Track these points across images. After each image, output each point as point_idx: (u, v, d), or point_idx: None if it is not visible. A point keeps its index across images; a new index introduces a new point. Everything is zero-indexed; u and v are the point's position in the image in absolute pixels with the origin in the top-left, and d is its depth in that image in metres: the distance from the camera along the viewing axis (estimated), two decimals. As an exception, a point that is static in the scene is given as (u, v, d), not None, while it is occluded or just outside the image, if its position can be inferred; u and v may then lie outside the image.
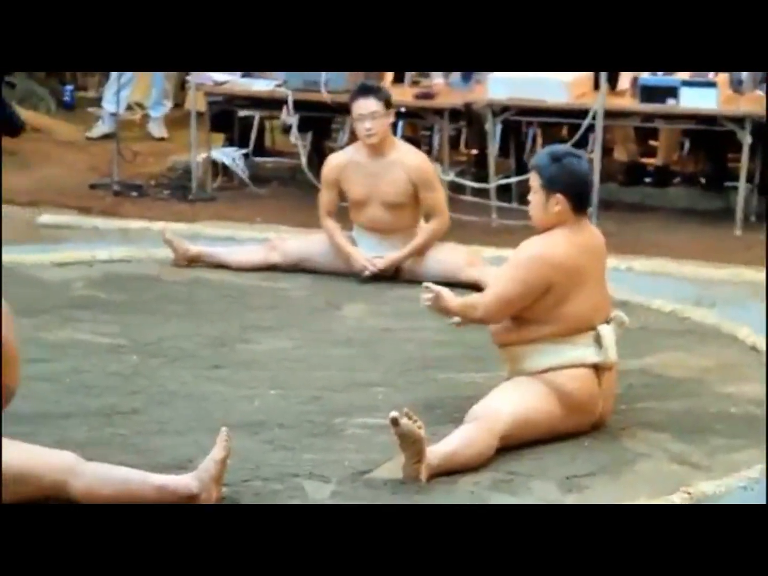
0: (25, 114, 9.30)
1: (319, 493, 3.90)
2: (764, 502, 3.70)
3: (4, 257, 6.11)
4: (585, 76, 7.82)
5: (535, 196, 4.40)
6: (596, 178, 7.18)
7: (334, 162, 6.35)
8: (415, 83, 8.52)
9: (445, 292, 4.40)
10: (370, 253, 6.17)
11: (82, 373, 4.86)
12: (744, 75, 7.83)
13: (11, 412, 3.88)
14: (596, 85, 7.60)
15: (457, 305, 4.42)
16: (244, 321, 5.59)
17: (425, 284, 4.40)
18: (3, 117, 8.83)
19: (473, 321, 4.42)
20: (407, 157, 6.18)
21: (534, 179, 4.42)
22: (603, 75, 7.44)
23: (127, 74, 9.24)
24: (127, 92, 9.40)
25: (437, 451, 3.99)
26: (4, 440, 3.78)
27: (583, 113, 7.51)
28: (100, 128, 9.63)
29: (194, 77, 8.28)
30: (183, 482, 3.75)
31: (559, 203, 4.33)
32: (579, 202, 4.39)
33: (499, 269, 4.50)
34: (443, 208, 6.26)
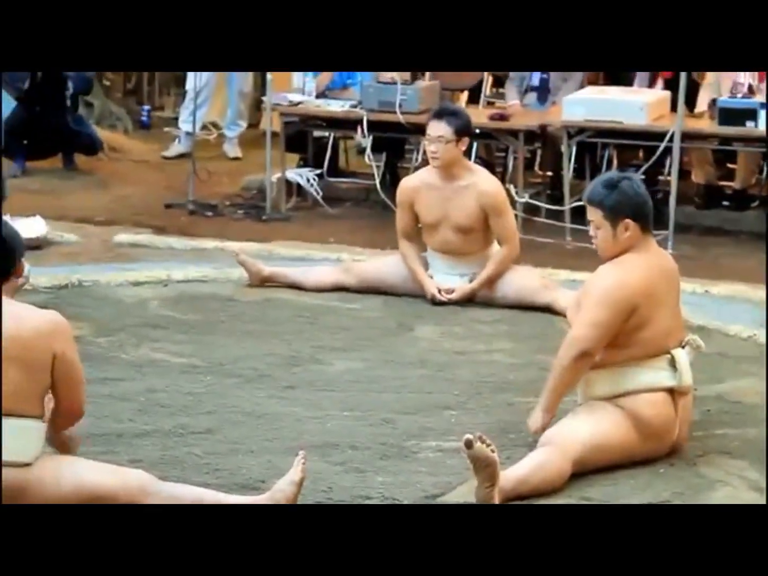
0: (102, 134, 9.42)
1: (391, 516, 3.94)
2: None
3: (83, 276, 6.22)
4: (663, 98, 7.79)
5: (600, 230, 4.35)
6: (672, 201, 7.15)
7: (407, 185, 6.35)
8: (490, 104, 8.51)
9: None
10: (443, 277, 6.17)
11: (156, 392, 4.89)
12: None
13: (88, 432, 3.95)
14: (674, 107, 7.55)
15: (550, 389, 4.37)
16: (317, 341, 5.60)
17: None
18: (82, 137, 8.95)
19: (572, 362, 4.30)
20: (479, 182, 6.15)
21: (594, 214, 4.37)
22: (681, 97, 7.38)
23: (203, 94, 9.33)
24: (203, 112, 9.48)
25: (511, 475, 3.98)
26: (81, 459, 3.84)
27: (660, 135, 7.45)
28: (176, 148, 9.73)
29: (270, 97, 8.33)
30: (257, 502, 3.76)
31: (628, 228, 4.30)
32: (646, 223, 4.37)
33: (580, 301, 4.41)
34: (513, 234, 6.22)
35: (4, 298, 3.74)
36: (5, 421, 3.66)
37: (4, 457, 3.66)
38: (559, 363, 4.33)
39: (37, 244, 6.49)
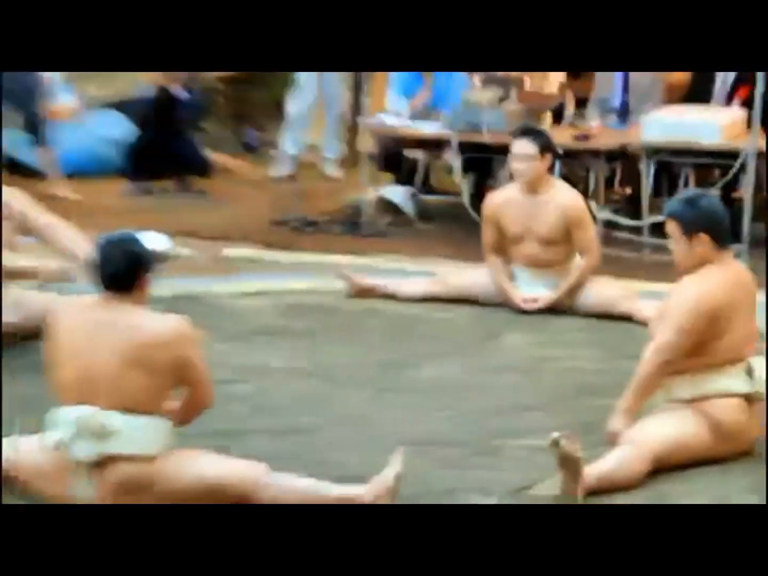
0: (213, 156, 9.54)
1: (482, 507, 3.99)
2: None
3: (196, 287, 6.34)
4: (739, 118, 7.67)
5: (678, 244, 4.36)
6: (746, 218, 7.07)
7: (492, 200, 6.37)
8: (572, 125, 8.48)
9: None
10: (528, 288, 6.17)
11: (266, 394, 4.97)
12: None
13: (207, 429, 4.04)
14: (750, 125, 7.41)
15: (633, 392, 4.35)
16: (412, 348, 5.64)
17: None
18: (194, 159, 9.07)
19: (656, 368, 4.30)
20: (561, 197, 6.16)
21: (673, 227, 4.37)
22: (756, 116, 7.29)
23: (305, 118, 9.40)
24: (305, 135, 9.55)
25: (593, 472, 3.99)
26: (202, 453, 3.91)
27: (736, 154, 7.34)
28: (281, 169, 9.75)
29: (365, 120, 8.39)
30: (359, 493, 3.82)
31: (702, 243, 4.30)
32: (720, 239, 4.35)
33: (664, 311, 4.39)
34: (594, 246, 6.22)
35: (130, 307, 3.85)
36: (133, 418, 3.78)
37: (132, 451, 3.77)
38: (643, 368, 4.32)
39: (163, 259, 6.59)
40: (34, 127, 8.88)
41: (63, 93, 9.72)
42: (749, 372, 4.33)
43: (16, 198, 5.46)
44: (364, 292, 6.40)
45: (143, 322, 3.80)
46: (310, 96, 9.60)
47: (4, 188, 5.43)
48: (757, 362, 4.35)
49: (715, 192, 7.52)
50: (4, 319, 5.23)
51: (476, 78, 8.70)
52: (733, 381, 4.31)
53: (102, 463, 3.76)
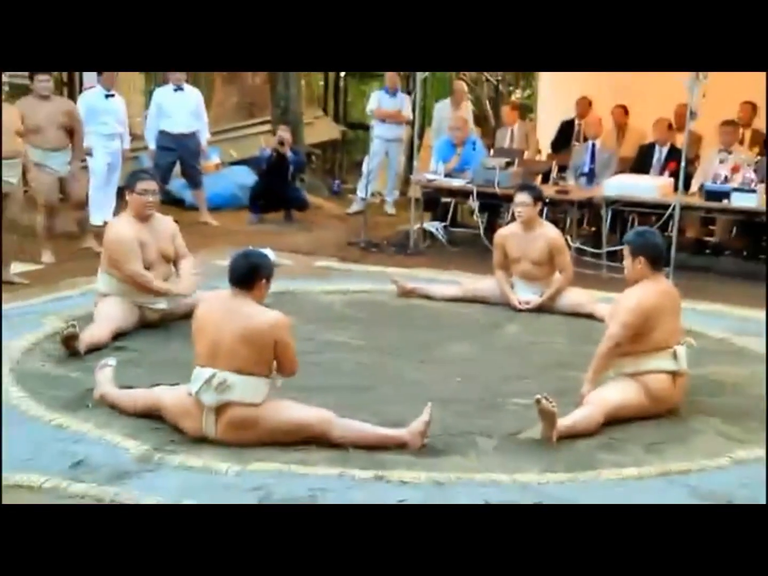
0: (310, 198, 9.47)
1: (486, 445, 3.88)
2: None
3: (294, 287, 6.24)
4: (669, 183, 7.61)
5: (627, 261, 4.33)
6: (673, 249, 6.96)
7: (501, 233, 6.26)
8: (555, 183, 8.39)
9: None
10: (522, 293, 6.04)
11: (338, 362, 4.89)
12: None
13: (295, 385, 3.96)
14: (676, 188, 7.39)
15: (598, 354, 4.26)
16: (441, 333, 5.54)
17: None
18: (297, 200, 9.07)
19: (608, 350, 4.23)
20: (548, 232, 6.05)
21: (626, 250, 4.35)
22: (681, 181, 7.24)
23: (373, 173, 9.34)
24: (372, 184, 9.44)
25: (564, 423, 3.92)
26: (291, 402, 3.85)
27: (666, 206, 7.28)
28: (355, 207, 9.73)
29: (415, 176, 8.35)
30: (400, 433, 3.78)
31: (640, 263, 4.25)
32: (655, 262, 4.29)
33: (614, 311, 4.34)
34: (569, 266, 6.09)
35: (249, 302, 3.78)
36: (243, 377, 3.71)
37: (245, 400, 3.71)
38: (600, 351, 4.25)
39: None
40: (193, 176, 8.87)
41: (212, 153, 9.75)
42: (674, 356, 4.26)
43: (173, 224, 5.46)
44: (408, 293, 6.29)
45: (255, 313, 3.76)
46: (378, 159, 9.57)
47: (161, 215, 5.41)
48: (680, 349, 4.27)
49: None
50: (164, 305, 5.23)
51: (491, 151, 8.70)
52: (662, 362, 4.24)
53: (221, 407, 3.73)
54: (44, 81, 7.03)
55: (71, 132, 7.08)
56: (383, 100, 9.68)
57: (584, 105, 9.09)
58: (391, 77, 9.80)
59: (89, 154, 7.75)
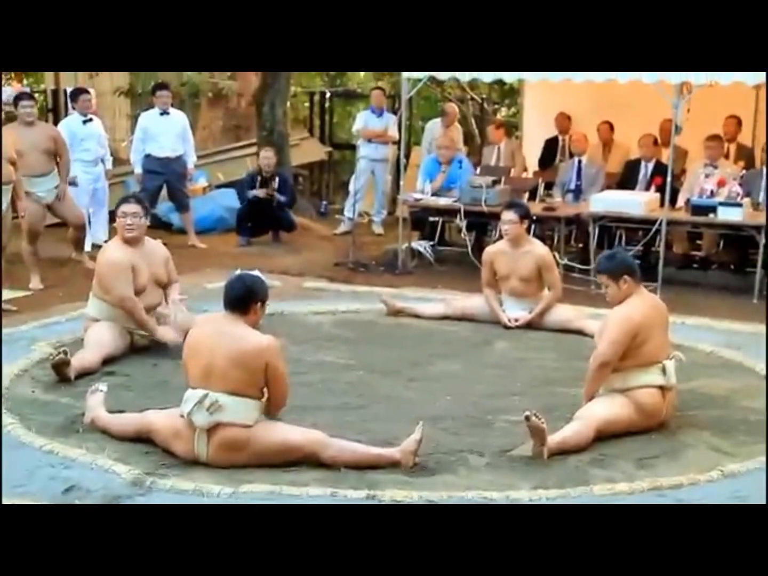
0: (297, 219, 9.44)
1: (478, 463, 3.90)
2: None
3: (283, 307, 6.24)
4: (655, 198, 7.64)
5: (609, 288, 4.35)
6: (660, 264, 7.02)
7: (489, 251, 6.29)
8: (542, 201, 8.44)
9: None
10: (512, 312, 6.07)
11: (328, 382, 4.90)
12: (761, 197, 7.62)
13: (286, 406, 3.98)
14: (662, 203, 7.41)
15: (590, 371, 4.26)
16: (429, 350, 5.55)
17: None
18: (284, 221, 9.04)
19: (598, 370, 4.23)
20: (535, 249, 6.08)
21: (604, 278, 4.37)
22: (667, 196, 7.26)
23: (360, 193, 9.37)
24: (359, 204, 9.47)
25: (555, 439, 3.95)
26: (282, 424, 3.86)
27: (653, 221, 7.32)
28: (342, 228, 9.72)
29: (402, 196, 8.39)
30: (391, 452, 3.79)
31: (626, 282, 4.29)
32: (636, 277, 4.34)
33: (602, 329, 4.35)
34: (558, 283, 6.12)
35: (242, 325, 3.80)
36: (235, 398, 3.73)
37: (237, 421, 3.72)
38: (590, 369, 4.27)
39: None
40: (180, 199, 8.89)
41: (199, 176, 9.77)
42: (663, 371, 4.28)
43: (165, 249, 5.49)
44: (397, 312, 6.32)
45: (247, 335, 3.78)
46: (364, 179, 9.60)
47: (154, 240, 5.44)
48: (669, 364, 4.30)
49: (638, 247, 7.61)
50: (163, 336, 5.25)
51: (478, 169, 8.75)
52: (651, 377, 4.26)
53: (213, 429, 3.74)
54: (28, 107, 7.09)
55: (56, 156, 7.13)
56: (370, 120, 9.73)
57: (563, 120, 9.18)
58: (377, 97, 9.88)
59: (74, 183, 7.78)
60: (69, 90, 9.98)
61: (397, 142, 9.56)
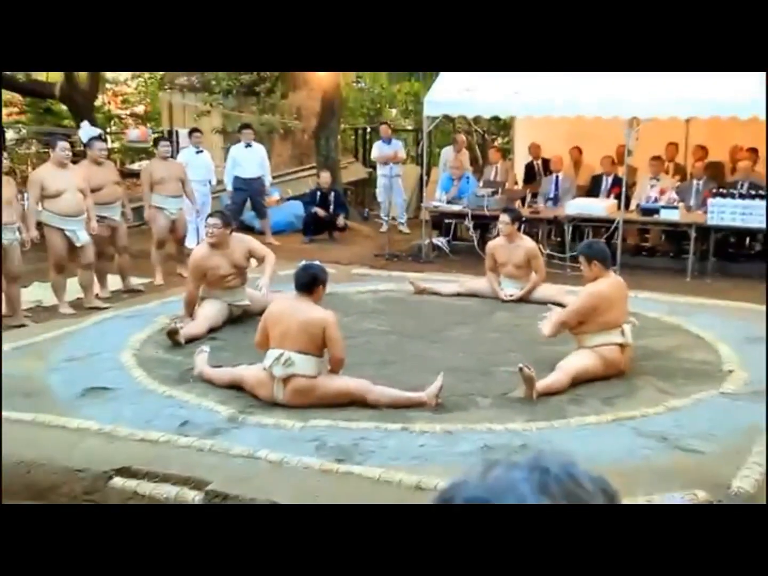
0: (347, 222, 9.45)
1: (483, 402, 3.87)
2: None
3: (336, 289, 6.08)
4: (614, 203, 7.57)
5: (584, 267, 4.28)
6: (618, 252, 6.95)
7: (490, 244, 6.20)
8: (530, 206, 8.35)
9: (553, 315, 4.28)
10: (508, 289, 5.99)
11: (370, 343, 4.88)
12: (692, 201, 7.59)
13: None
14: (619, 207, 7.37)
15: (554, 321, 4.25)
16: (447, 319, 5.50)
17: (549, 307, 4.20)
18: (337, 224, 9.05)
19: (561, 325, 4.23)
20: (525, 243, 5.99)
21: (582, 259, 4.30)
22: (622, 202, 7.21)
23: (384, 201, 9.33)
24: (388, 210, 9.40)
25: (541, 384, 3.90)
26: (337, 375, 3.85)
27: (612, 221, 7.29)
28: (381, 228, 9.63)
29: (424, 203, 8.35)
30: (419, 395, 3.78)
31: (596, 266, 4.21)
32: (605, 263, 4.26)
33: (573, 299, 4.32)
34: (542, 268, 6.02)
35: (309, 302, 3.79)
36: (303, 356, 3.72)
37: (305, 372, 3.72)
38: (554, 322, 4.23)
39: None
40: (260, 209, 8.93)
41: (274, 192, 9.79)
42: (622, 332, 4.23)
43: (249, 239, 5.48)
44: (421, 291, 6.25)
45: (312, 309, 3.79)
46: (386, 192, 9.42)
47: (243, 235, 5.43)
48: (626, 327, 4.25)
49: (602, 240, 7.49)
50: (246, 301, 5.24)
51: (481, 183, 8.68)
52: (613, 337, 4.21)
53: (287, 378, 3.74)
54: (165, 146, 7.34)
55: (183, 183, 7.33)
56: (382, 148, 9.79)
57: (535, 149, 9.12)
58: (384, 130, 9.94)
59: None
60: (179, 131, 10.12)
61: (404, 161, 9.51)
